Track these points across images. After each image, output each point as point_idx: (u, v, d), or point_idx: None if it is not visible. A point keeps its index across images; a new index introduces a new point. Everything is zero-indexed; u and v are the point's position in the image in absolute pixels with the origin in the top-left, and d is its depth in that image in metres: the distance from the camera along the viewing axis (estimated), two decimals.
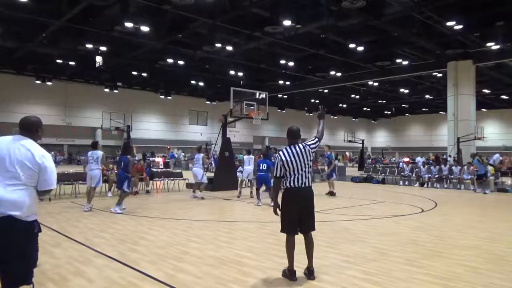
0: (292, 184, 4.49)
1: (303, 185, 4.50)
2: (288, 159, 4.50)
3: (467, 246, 6.21)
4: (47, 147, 35.91)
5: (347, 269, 4.88)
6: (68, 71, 33.17)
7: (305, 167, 4.52)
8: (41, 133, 3.18)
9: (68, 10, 17.74)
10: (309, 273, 4.48)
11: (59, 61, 28.05)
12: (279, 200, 4.64)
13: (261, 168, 11.01)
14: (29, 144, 2.99)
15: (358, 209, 10.58)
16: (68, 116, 38.66)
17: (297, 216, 4.49)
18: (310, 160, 4.58)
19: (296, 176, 4.48)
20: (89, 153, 10.02)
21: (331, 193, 13.50)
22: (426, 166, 19.23)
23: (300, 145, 4.62)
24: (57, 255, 5.42)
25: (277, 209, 4.63)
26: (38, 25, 19.93)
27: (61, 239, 6.48)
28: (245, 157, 13.47)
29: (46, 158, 3.00)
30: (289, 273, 4.45)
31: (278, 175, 4.57)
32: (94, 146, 10.17)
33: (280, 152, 4.61)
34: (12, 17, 18.47)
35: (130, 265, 4.97)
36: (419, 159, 20.03)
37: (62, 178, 12.49)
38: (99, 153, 9.94)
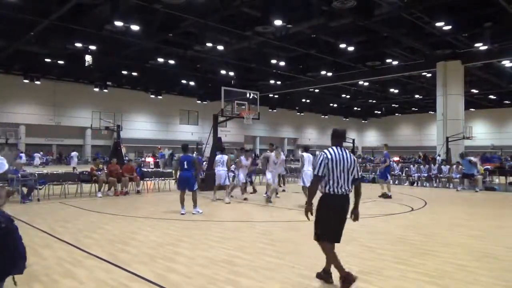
0: (334, 190, 4.11)
1: (345, 193, 4.15)
2: (334, 159, 4.11)
3: (456, 244, 6.27)
4: (36, 147, 35.74)
5: None
6: (57, 70, 32.82)
7: (348, 173, 4.16)
8: None
9: (56, 9, 17.52)
10: (326, 274, 4.38)
11: (47, 60, 27.72)
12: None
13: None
14: None
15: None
16: (57, 116, 38.26)
17: (339, 224, 4.21)
18: (354, 168, 4.21)
19: (340, 182, 4.11)
20: (217, 157, 12.01)
21: (384, 195, 12.46)
22: (416, 165, 19.41)
23: (345, 149, 4.26)
24: (46, 256, 5.35)
25: (309, 213, 4.25)
26: (26, 24, 19.66)
27: (51, 240, 6.40)
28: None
29: None
30: (346, 279, 4.09)
31: (320, 173, 4.11)
32: (221, 149, 12.49)
33: (326, 151, 4.19)
34: None
35: (121, 265, 4.93)
36: (474, 159, 18.05)
37: (51, 179, 12.35)
38: (225, 157, 11.82)
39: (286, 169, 16.67)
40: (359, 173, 4.31)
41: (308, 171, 10.27)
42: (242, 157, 12.63)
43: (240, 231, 7.30)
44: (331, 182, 4.10)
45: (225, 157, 11.91)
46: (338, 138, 4.34)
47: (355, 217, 4.33)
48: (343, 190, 4.12)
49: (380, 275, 4.60)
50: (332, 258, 4.23)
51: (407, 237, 6.79)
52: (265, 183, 12.30)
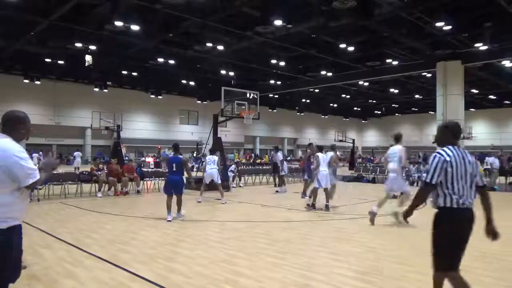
0: (457, 202, 3.20)
1: (470, 206, 3.25)
2: (455, 162, 3.19)
3: None
4: (36, 147, 35.69)
5: (338, 268, 4.90)
6: (57, 70, 32.75)
7: (472, 180, 3.26)
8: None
9: (56, 9, 17.50)
10: None
11: (47, 60, 27.71)
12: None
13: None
14: None
15: (349, 208, 10.64)
16: (57, 116, 38.22)
17: (464, 246, 3.31)
18: (477, 173, 3.33)
19: (464, 192, 3.21)
20: (208, 157, 12.26)
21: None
22: (415, 165, 19.42)
23: (463, 149, 3.36)
24: (46, 256, 5.35)
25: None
26: (26, 24, 19.64)
27: (51, 240, 6.40)
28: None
29: None
30: None
31: (434, 181, 3.24)
32: (214, 151, 12.71)
33: (442, 152, 3.26)
34: None
35: (121, 265, 4.93)
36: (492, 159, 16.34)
37: (51, 179, 12.34)
38: (215, 157, 12.01)
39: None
40: (483, 179, 3.39)
41: (323, 171, 9.77)
42: (320, 154, 10.48)
43: (240, 231, 7.30)
44: (452, 192, 3.21)
45: (215, 157, 12.01)
46: (453, 135, 3.38)
47: (494, 234, 3.34)
48: (468, 202, 3.22)
49: (380, 275, 4.60)
50: None
51: (407, 237, 6.79)
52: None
